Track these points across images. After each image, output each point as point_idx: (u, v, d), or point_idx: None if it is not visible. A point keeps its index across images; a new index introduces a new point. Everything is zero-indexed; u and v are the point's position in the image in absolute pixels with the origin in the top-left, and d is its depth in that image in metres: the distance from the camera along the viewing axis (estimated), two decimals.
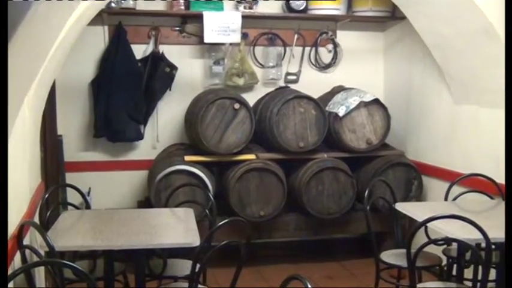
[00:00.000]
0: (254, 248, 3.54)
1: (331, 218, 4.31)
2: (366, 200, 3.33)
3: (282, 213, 4.31)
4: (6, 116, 2.00)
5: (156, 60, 4.53)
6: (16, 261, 2.38)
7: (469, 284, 3.01)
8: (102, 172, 4.61)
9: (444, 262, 3.35)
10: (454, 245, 3.25)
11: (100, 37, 4.51)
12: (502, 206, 3.09)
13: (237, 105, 4.16)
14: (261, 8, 4.70)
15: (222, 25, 4.46)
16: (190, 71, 4.71)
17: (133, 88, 4.46)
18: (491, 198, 3.47)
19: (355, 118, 4.36)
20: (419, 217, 2.83)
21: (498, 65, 3.18)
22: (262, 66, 4.85)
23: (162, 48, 4.59)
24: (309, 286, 1.68)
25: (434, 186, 4.33)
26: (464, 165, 3.92)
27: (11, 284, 2.05)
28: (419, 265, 2.95)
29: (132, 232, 2.77)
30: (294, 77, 4.91)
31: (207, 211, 3.33)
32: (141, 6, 4.48)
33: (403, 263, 2.97)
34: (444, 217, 2.56)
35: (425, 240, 2.75)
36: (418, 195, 4.40)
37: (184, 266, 3.07)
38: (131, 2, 4.44)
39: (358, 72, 4.93)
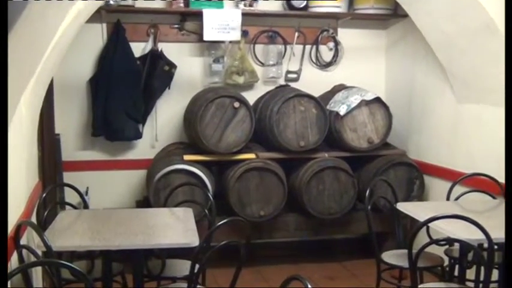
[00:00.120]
0: (254, 248, 3.54)
1: (332, 218, 4.31)
2: (367, 199, 3.32)
3: (282, 213, 4.30)
4: (6, 116, 2.00)
5: (155, 58, 4.51)
6: (13, 261, 2.38)
7: (471, 285, 3.02)
8: (100, 171, 4.60)
9: (446, 263, 3.35)
10: (456, 245, 3.24)
11: (98, 35, 4.49)
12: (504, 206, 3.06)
13: (236, 104, 4.14)
14: (261, 6, 4.68)
15: (221, 23, 4.45)
16: (190, 69, 4.69)
17: (132, 86, 4.44)
18: (494, 198, 3.46)
19: (357, 117, 4.35)
20: (421, 217, 2.83)
21: (501, 63, 3.17)
22: (262, 64, 4.83)
23: (161, 46, 4.58)
24: (310, 287, 1.68)
25: (436, 186, 4.33)
26: (467, 164, 3.92)
27: (7, 284, 2.03)
28: (421, 266, 2.96)
29: (130, 232, 2.76)
30: (294, 76, 4.90)
31: (207, 211, 3.32)
32: (140, 3, 4.46)
33: (404, 263, 2.98)
34: (446, 217, 2.56)
35: (427, 240, 2.74)
36: (419, 195, 4.39)
37: (183, 267, 3.06)
38: (130, 0, 4.41)
39: (360, 70, 4.92)
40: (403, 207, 3.26)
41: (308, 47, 4.90)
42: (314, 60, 4.95)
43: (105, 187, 4.60)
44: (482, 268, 2.65)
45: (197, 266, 2.69)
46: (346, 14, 4.80)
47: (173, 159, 4.20)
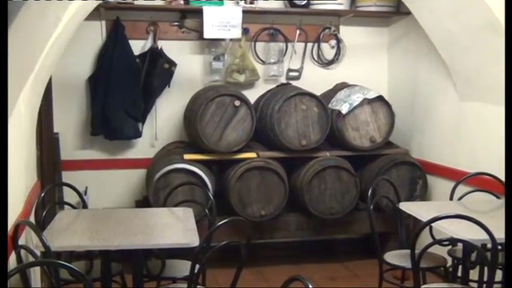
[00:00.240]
0: (255, 249, 3.57)
1: (334, 218, 4.30)
2: (369, 199, 3.32)
3: (283, 213, 4.29)
4: (6, 116, 1.99)
5: (155, 56, 4.49)
6: (11, 262, 2.38)
7: (475, 285, 2.99)
8: (99, 171, 4.58)
9: (449, 263, 3.34)
10: (460, 245, 3.23)
11: (97, 32, 4.47)
12: None
13: (237, 103, 4.13)
14: (262, 3, 4.66)
15: (222, 20, 4.43)
16: (190, 67, 4.67)
17: (131, 85, 4.42)
18: (498, 197, 3.46)
19: (359, 116, 4.33)
20: (424, 217, 2.83)
21: (504, 62, 3.14)
22: (263, 62, 4.82)
23: (161, 44, 4.56)
24: (311, 287, 1.67)
25: (439, 186, 4.32)
26: (470, 164, 3.90)
27: (7, 284, 2.03)
28: (424, 266, 2.97)
29: (129, 232, 2.75)
30: (295, 74, 4.88)
31: (207, 211, 3.32)
32: (139, 0, 4.44)
33: (407, 264, 2.97)
34: (449, 217, 2.55)
35: (430, 240, 2.73)
36: (422, 194, 4.38)
37: (183, 267, 3.05)
38: None
39: (362, 68, 4.90)
40: (405, 207, 3.25)
41: (310, 44, 4.89)
42: (316, 58, 4.93)
43: (104, 187, 4.58)
44: (486, 268, 2.64)
45: (197, 266, 2.68)
46: (348, 11, 4.78)
47: (173, 158, 4.19)
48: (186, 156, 4.17)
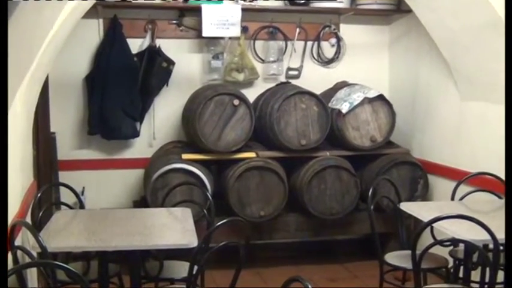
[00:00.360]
0: (254, 249, 3.60)
1: (334, 219, 4.29)
2: (369, 199, 3.31)
3: (282, 213, 4.28)
4: (6, 116, 1.97)
5: (153, 54, 4.48)
6: (7, 262, 2.34)
7: (476, 286, 2.96)
8: (96, 171, 4.57)
9: (450, 264, 3.34)
10: (461, 246, 3.23)
11: (94, 31, 4.46)
12: None
13: (236, 102, 4.11)
14: (262, 1, 4.65)
15: (221, 18, 4.42)
16: (188, 66, 4.67)
17: (129, 84, 4.41)
18: (500, 197, 3.44)
19: (359, 115, 4.32)
20: (425, 217, 2.82)
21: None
22: (262, 61, 4.81)
23: (159, 42, 4.55)
24: None
25: (441, 186, 4.31)
26: (472, 163, 3.89)
27: (7, 284, 2.03)
28: (425, 267, 2.96)
29: (127, 233, 2.75)
30: (295, 72, 4.87)
31: (205, 211, 3.31)
32: None
33: (408, 264, 2.97)
34: (451, 217, 2.55)
35: (431, 241, 2.72)
36: (423, 194, 4.37)
37: (181, 268, 3.04)
38: None
39: (362, 67, 4.89)
40: (406, 207, 3.24)
41: (309, 43, 4.88)
42: (316, 57, 4.92)
43: (101, 187, 4.57)
44: (488, 269, 2.63)
45: (196, 267, 2.69)
46: (349, 9, 4.78)
47: (171, 158, 4.18)
48: (185, 156, 4.16)
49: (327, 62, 4.92)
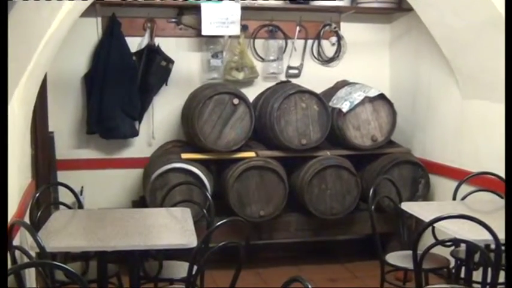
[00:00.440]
0: (254, 249, 3.54)
1: (334, 219, 4.28)
2: (370, 199, 3.30)
3: (282, 213, 4.27)
4: (6, 116, 1.95)
5: (152, 53, 4.47)
6: (7, 263, 2.34)
7: (478, 287, 2.98)
8: (95, 170, 4.56)
9: (452, 264, 3.34)
10: (463, 246, 3.23)
11: (93, 29, 4.45)
12: None
13: (236, 101, 4.10)
14: None
15: (220, 17, 4.41)
16: (188, 64, 4.66)
17: (127, 83, 4.40)
18: (501, 197, 3.42)
19: (360, 114, 4.31)
20: (426, 217, 2.82)
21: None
22: (262, 59, 4.80)
23: (158, 41, 4.53)
24: None
25: (442, 185, 4.30)
26: (474, 163, 3.89)
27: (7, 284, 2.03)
28: (426, 267, 2.95)
29: (126, 233, 2.74)
30: (295, 71, 4.86)
31: (205, 211, 3.30)
32: None
33: (409, 265, 2.94)
34: (452, 217, 2.54)
35: (433, 241, 2.71)
36: (425, 194, 4.37)
37: (180, 268, 3.04)
38: None
39: (363, 66, 4.88)
40: (407, 207, 3.24)
41: (310, 41, 4.87)
42: (316, 56, 4.91)
43: (100, 186, 4.56)
44: (489, 269, 2.62)
45: (195, 267, 2.66)
46: (349, 7, 4.77)
47: (170, 157, 4.17)
48: (184, 156, 4.15)
49: (327, 61, 4.91)
